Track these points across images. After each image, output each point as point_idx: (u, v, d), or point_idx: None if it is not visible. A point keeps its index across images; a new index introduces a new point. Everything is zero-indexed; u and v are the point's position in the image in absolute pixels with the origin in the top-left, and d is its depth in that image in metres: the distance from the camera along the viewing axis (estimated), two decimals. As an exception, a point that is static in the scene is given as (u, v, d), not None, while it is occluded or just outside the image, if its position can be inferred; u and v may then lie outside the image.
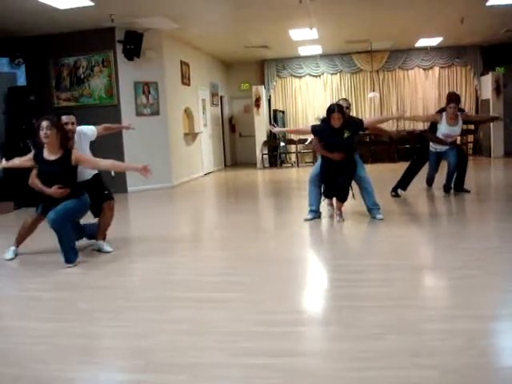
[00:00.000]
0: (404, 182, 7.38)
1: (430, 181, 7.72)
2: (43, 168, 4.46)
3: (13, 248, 4.80)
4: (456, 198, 7.12)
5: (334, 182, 5.64)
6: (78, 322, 3.10)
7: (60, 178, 4.43)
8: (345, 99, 6.45)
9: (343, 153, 5.45)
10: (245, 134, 15.21)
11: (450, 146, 7.04)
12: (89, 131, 5.04)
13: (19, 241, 4.83)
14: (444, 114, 6.93)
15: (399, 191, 7.37)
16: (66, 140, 4.51)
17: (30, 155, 4.59)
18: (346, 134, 5.40)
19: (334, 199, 5.91)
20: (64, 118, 4.70)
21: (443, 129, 6.92)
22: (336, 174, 5.58)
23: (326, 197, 5.94)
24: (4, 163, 4.73)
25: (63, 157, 4.42)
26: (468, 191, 7.27)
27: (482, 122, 11.30)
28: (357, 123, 5.64)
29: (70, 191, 4.44)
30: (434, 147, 7.16)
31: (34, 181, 4.52)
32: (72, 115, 4.83)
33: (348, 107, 5.91)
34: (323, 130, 5.57)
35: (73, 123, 4.78)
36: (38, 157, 4.49)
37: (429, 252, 4.52)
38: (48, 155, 4.44)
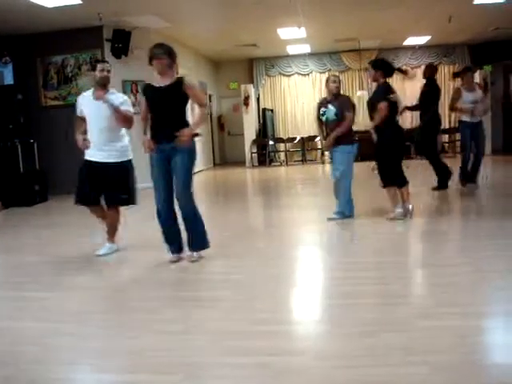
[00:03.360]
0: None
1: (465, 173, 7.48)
2: (153, 95, 4.30)
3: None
4: (449, 194, 7.15)
5: None
6: (70, 323, 3.08)
7: (171, 103, 4.22)
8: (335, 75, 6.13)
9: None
10: (234, 133, 15.20)
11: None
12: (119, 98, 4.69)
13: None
14: None
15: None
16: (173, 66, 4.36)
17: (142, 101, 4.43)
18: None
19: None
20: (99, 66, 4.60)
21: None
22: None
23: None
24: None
25: (175, 83, 4.26)
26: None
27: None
28: (346, 101, 5.73)
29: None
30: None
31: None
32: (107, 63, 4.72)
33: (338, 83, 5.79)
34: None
35: (108, 71, 4.64)
36: (148, 90, 4.37)
37: (422, 249, 4.54)
38: (159, 83, 4.31)
